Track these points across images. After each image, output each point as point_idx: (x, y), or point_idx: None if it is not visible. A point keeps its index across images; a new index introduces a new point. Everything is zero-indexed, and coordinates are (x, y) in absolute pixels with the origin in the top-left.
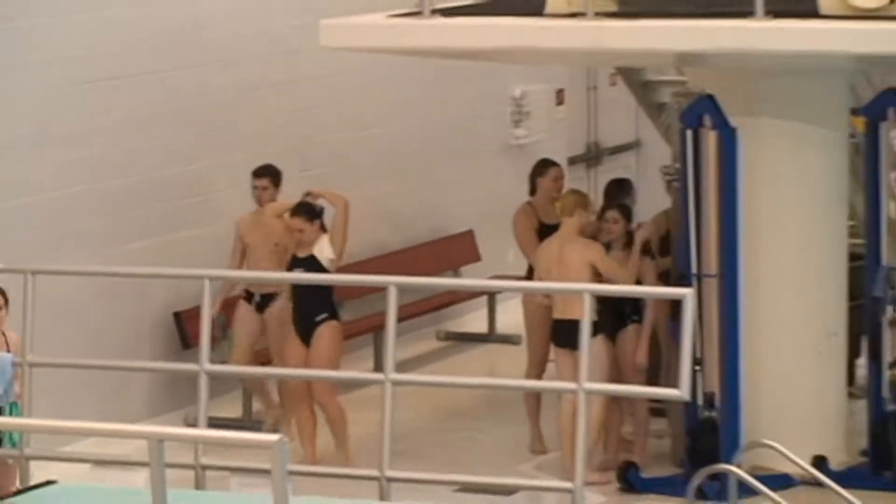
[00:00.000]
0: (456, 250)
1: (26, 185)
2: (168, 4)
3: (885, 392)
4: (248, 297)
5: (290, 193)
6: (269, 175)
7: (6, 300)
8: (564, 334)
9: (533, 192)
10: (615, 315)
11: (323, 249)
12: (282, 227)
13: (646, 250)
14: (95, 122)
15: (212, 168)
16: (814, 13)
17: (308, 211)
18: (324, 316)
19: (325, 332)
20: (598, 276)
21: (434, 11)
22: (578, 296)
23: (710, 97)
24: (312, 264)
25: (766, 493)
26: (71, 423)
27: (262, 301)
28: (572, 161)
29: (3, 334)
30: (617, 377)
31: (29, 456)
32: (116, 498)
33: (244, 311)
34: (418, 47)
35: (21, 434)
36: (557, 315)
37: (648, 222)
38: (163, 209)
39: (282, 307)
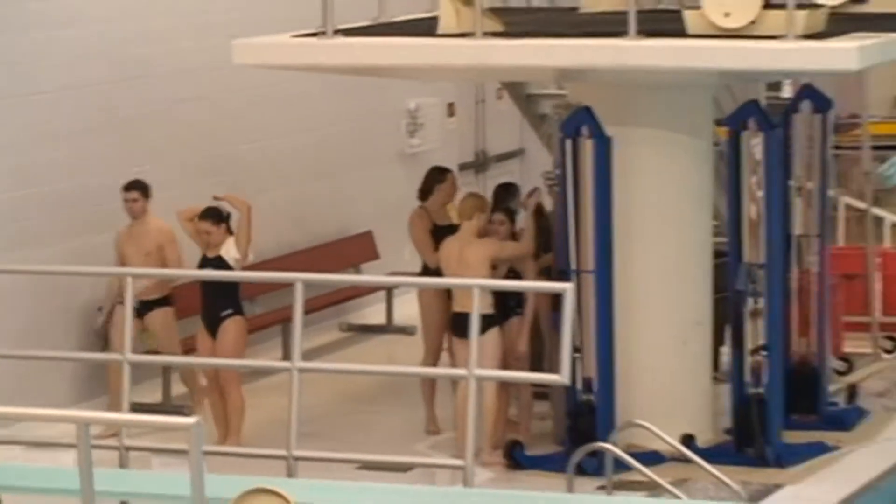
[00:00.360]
0: (356, 249)
1: None
2: (86, 24)
3: (747, 376)
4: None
5: (202, 199)
6: (138, 188)
7: None
8: (462, 325)
9: (424, 197)
10: (501, 308)
11: (229, 250)
12: (153, 237)
13: (539, 213)
14: (31, 132)
15: (132, 176)
16: (681, 33)
17: (215, 215)
18: (229, 312)
19: (230, 327)
20: (494, 274)
21: (336, 31)
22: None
23: (588, 109)
24: (220, 264)
25: (639, 469)
26: (5, 409)
27: (142, 307)
28: (462, 167)
29: None
30: (503, 365)
31: None
32: (47, 477)
33: (119, 319)
34: (322, 64)
35: None
36: (457, 308)
37: (540, 189)
38: (88, 213)
39: (164, 312)
